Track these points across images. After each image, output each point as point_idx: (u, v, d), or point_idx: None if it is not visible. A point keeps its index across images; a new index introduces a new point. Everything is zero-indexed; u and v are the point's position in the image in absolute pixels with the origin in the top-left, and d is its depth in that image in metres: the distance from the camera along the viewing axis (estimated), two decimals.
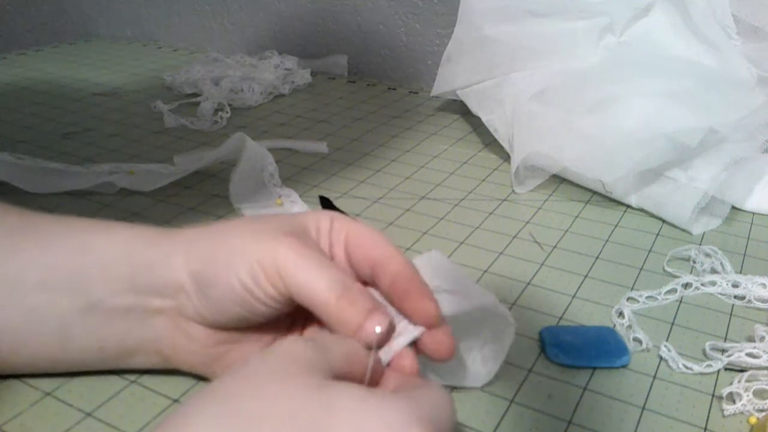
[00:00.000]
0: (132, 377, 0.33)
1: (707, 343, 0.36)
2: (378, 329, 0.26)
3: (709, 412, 0.32)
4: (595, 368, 0.35)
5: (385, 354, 0.27)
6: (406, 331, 0.28)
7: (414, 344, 0.28)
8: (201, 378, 0.34)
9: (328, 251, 0.30)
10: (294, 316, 0.32)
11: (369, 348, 0.26)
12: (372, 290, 0.30)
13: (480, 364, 0.32)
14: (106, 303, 0.30)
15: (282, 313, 0.29)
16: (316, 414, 0.20)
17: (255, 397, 0.20)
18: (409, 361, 0.27)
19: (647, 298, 0.41)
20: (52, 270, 0.30)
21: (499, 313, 0.31)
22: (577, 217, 0.51)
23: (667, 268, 0.44)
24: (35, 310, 0.30)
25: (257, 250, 0.28)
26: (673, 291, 0.41)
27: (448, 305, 0.29)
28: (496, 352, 0.32)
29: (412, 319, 0.28)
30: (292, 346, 0.23)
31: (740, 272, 0.44)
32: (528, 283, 0.42)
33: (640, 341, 0.36)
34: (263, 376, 0.21)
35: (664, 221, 0.50)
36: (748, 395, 0.32)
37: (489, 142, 0.64)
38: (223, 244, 0.29)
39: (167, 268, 0.29)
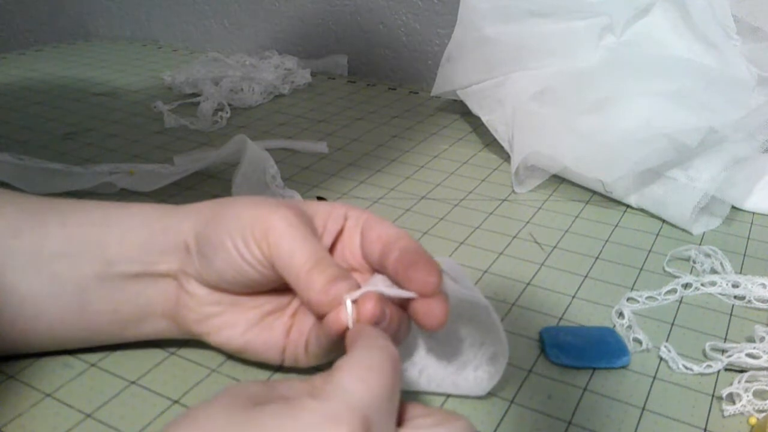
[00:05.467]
0: (132, 378, 0.34)
1: (707, 344, 0.36)
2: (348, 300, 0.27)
3: (709, 413, 0.32)
4: (595, 369, 0.35)
5: (351, 295, 0.27)
6: (394, 289, 0.28)
7: (405, 309, 0.29)
8: (200, 379, 0.34)
9: (334, 236, 0.32)
10: (291, 297, 0.33)
11: (323, 314, 0.28)
12: (377, 277, 0.30)
13: (473, 382, 0.32)
14: (120, 268, 0.32)
15: (272, 283, 0.30)
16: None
17: (187, 425, 0.21)
18: (371, 305, 0.27)
19: (647, 298, 0.41)
20: (71, 241, 0.32)
21: (494, 324, 0.31)
22: (577, 217, 0.51)
23: (667, 269, 0.44)
24: (55, 277, 0.32)
25: (253, 216, 0.30)
26: (673, 291, 0.41)
27: (451, 289, 0.29)
28: (491, 375, 0.32)
29: (412, 288, 0.28)
30: (240, 384, 0.23)
31: (740, 272, 0.44)
32: (528, 284, 0.42)
33: (640, 342, 0.36)
34: (198, 409, 0.22)
35: (664, 221, 0.50)
36: (748, 396, 0.32)
37: (489, 142, 0.64)
38: (225, 208, 0.31)
39: (178, 232, 0.32)
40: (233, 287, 0.31)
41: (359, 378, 0.22)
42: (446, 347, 0.32)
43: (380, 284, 0.29)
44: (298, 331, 0.32)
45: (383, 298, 0.28)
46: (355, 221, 0.32)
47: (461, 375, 0.32)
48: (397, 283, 0.29)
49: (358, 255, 0.32)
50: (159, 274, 0.32)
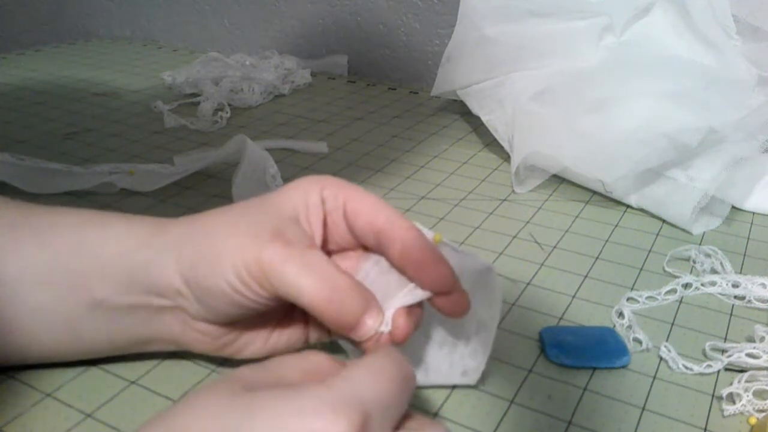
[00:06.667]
0: (132, 378, 0.34)
1: (707, 344, 0.36)
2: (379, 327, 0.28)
3: (709, 413, 0.32)
4: (595, 369, 0.35)
5: (385, 325, 0.28)
6: (411, 293, 0.28)
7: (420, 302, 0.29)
8: (200, 379, 0.34)
9: (321, 227, 0.30)
10: None
11: (361, 342, 0.28)
12: (375, 255, 0.30)
13: (468, 358, 0.32)
14: (110, 301, 0.30)
15: (281, 302, 0.30)
16: (238, 419, 0.21)
17: (184, 414, 0.21)
18: (403, 320, 0.28)
19: (647, 298, 0.41)
20: (52, 269, 0.30)
21: (491, 281, 0.31)
22: (577, 217, 0.51)
23: (667, 268, 0.44)
24: (42, 309, 0.30)
25: (242, 254, 0.28)
26: (673, 291, 0.41)
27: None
28: (484, 344, 0.32)
29: (427, 286, 0.28)
30: (235, 371, 0.23)
31: (740, 272, 0.44)
32: (528, 283, 0.42)
33: (640, 341, 0.36)
34: (197, 394, 0.22)
35: (664, 221, 0.50)
36: (748, 396, 0.32)
37: (489, 142, 0.64)
38: (209, 246, 0.29)
39: (161, 271, 0.30)
40: (241, 318, 0.30)
41: (369, 378, 0.22)
42: (435, 331, 0.32)
43: (382, 262, 0.29)
44: (318, 321, 0.32)
45: (409, 309, 0.28)
46: (334, 203, 0.30)
47: (456, 352, 0.32)
48: (403, 274, 0.29)
49: (347, 237, 0.31)
50: (155, 308, 0.31)
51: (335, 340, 0.33)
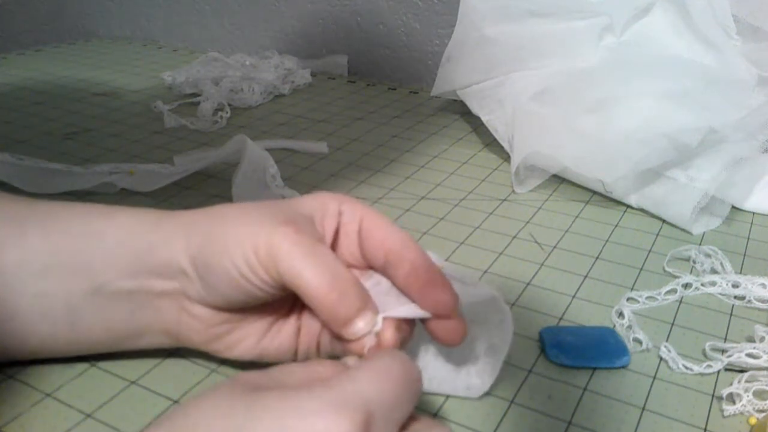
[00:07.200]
0: (132, 378, 0.34)
1: (707, 344, 0.36)
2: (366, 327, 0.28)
3: (709, 413, 0.32)
4: (595, 369, 0.35)
5: (376, 325, 0.28)
6: (411, 309, 0.28)
7: (412, 320, 0.29)
8: (200, 379, 0.34)
9: (332, 235, 0.31)
10: (295, 297, 0.32)
11: (353, 339, 0.28)
12: (377, 276, 0.30)
13: (475, 376, 0.32)
14: (110, 286, 0.31)
15: (281, 294, 0.30)
16: (240, 420, 0.21)
17: (185, 415, 0.22)
18: (390, 333, 0.28)
19: (647, 298, 0.41)
20: (55, 255, 0.31)
21: (501, 309, 0.31)
22: (577, 217, 0.51)
23: (667, 269, 0.44)
24: (42, 295, 0.31)
25: (253, 238, 0.28)
26: (673, 291, 0.41)
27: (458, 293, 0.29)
28: (492, 366, 0.32)
29: (428, 309, 0.28)
30: (241, 373, 0.24)
31: (740, 272, 0.44)
32: (528, 284, 0.42)
33: (640, 341, 0.36)
34: (200, 396, 0.22)
35: (664, 221, 0.50)
36: (748, 396, 0.32)
37: (489, 142, 0.64)
38: (220, 229, 0.29)
39: (168, 252, 0.30)
40: (241, 305, 0.30)
41: (373, 378, 0.22)
42: (443, 347, 0.32)
43: (383, 283, 0.29)
44: (308, 334, 0.32)
45: (398, 324, 0.28)
46: (351, 217, 0.31)
47: (463, 369, 0.32)
48: (406, 295, 0.29)
49: (357, 254, 0.31)
50: (155, 293, 0.31)
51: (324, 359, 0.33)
